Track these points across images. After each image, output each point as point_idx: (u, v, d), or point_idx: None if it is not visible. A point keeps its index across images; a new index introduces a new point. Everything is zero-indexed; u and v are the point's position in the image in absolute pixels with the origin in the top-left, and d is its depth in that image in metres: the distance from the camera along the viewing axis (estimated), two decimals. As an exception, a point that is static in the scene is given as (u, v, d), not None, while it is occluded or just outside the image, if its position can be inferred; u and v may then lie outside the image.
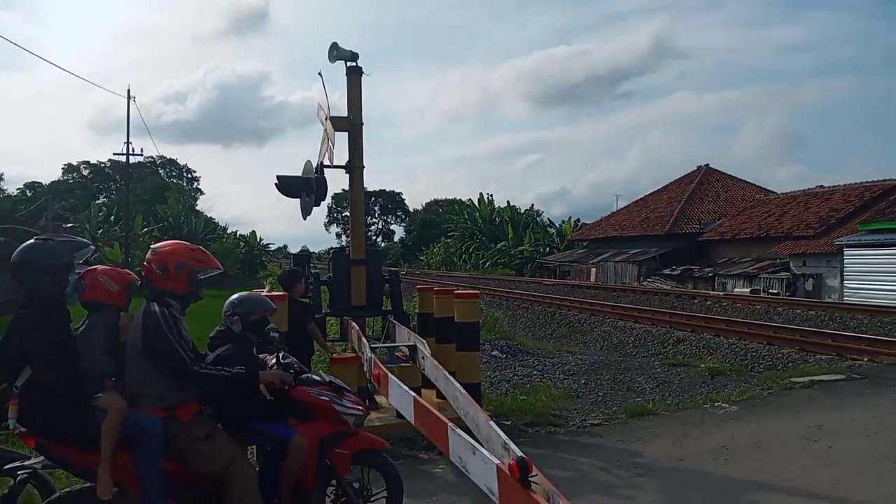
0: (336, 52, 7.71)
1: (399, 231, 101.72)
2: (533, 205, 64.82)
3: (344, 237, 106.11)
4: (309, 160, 7.58)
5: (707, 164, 43.53)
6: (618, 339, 14.68)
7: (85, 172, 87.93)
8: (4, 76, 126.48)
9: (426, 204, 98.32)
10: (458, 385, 4.15)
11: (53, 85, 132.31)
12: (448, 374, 4.47)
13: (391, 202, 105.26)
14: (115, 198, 78.87)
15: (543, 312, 20.35)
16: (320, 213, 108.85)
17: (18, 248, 3.70)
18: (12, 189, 57.54)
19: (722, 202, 39.40)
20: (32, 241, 3.73)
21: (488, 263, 53.87)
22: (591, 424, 7.09)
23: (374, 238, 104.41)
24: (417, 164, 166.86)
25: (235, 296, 4.21)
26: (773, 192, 39.23)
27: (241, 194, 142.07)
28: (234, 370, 3.76)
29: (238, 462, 3.69)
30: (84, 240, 3.86)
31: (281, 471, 3.83)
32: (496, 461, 2.65)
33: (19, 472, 3.67)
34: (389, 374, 4.37)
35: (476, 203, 62.99)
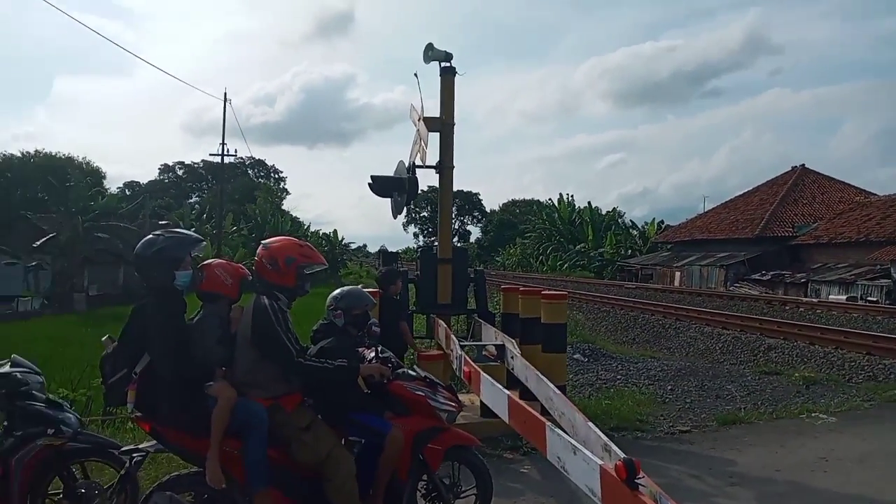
0: (431, 53, 7.84)
1: (475, 231, 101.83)
2: (615, 207, 63.41)
3: (421, 237, 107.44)
4: (401, 160, 7.75)
5: (803, 165, 41.58)
6: (704, 345, 14.23)
7: (179, 172, 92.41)
8: (106, 81, 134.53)
9: (503, 204, 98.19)
10: (552, 385, 4.16)
11: (150, 89, 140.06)
12: (540, 374, 4.49)
13: (468, 202, 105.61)
14: (206, 196, 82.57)
15: (625, 316, 19.96)
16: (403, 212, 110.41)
17: (140, 242, 3.98)
18: (113, 188, 61.13)
19: (818, 204, 37.51)
20: (151, 235, 4.00)
21: (566, 265, 53.19)
22: (680, 431, 6.93)
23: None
24: (496, 165, 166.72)
25: (338, 290, 4.37)
26: (874, 195, 37.05)
27: (324, 194, 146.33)
28: (336, 363, 3.91)
29: (338, 452, 3.82)
30: (198, 236, 4.09)
31: (377, 463, 3.95)
32: (599, 462, 2.65)
33: (135, 455, 3.91)
34: (482, 372, 4.42)
35: (555, 203, 62.33)
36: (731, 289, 32.08)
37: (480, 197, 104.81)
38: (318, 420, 3.92)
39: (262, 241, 4.11)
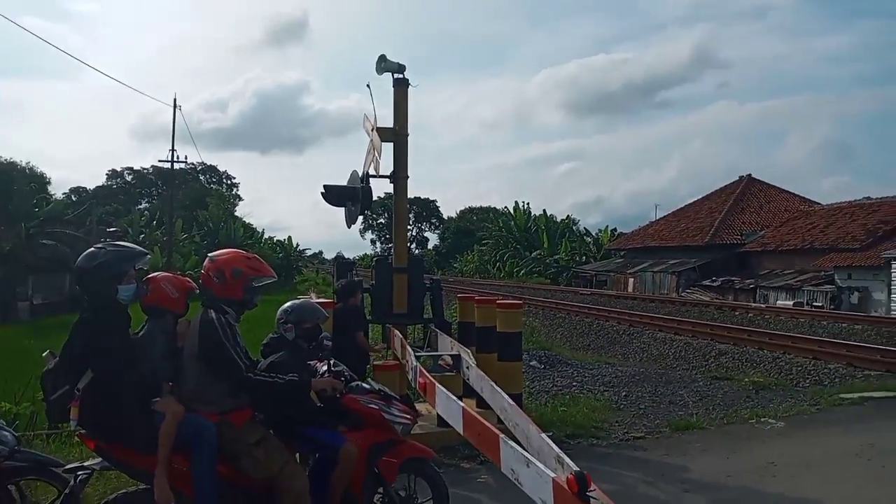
0: (384, 64, 7.81)
1: (433, 238, 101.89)
2: (569, 214, 64.29)
3: (378, 244, 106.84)
4: (355, 170, 7.70)
5: (749, 175, 42.82)
6: (658, 350, 14.49)
7: (128, 178, 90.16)
8: (52, 85, 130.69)
9: (460, 212, 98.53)
10: (506, 396, 4.15)
11: (97, 94, 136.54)
12: (494, 385, 4.48)
13: (425, 209, 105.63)
14: (156, 203, 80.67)
15: (581, 323, 20.18)
16: (360, 219, 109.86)
17: (82, 255, 3.83)
18: (58, 194, 59.13)
19: (764, 213, 38.67)
20: (94, 248, 3.86)
21: (523, 272, 53.64)
22: (634, 437, 7.01)
23: (408, 245, 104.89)
24: (452, 173, 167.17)
25: (288, 304, 4.29)
26: (818, 204, 38.38)
27: (278, 201, 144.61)
28: (287, 377, 3.83)
29: (290, 468, 3.74)
30: (143, 249, 3.96)
31: (331, 478, 3.88)
32: (552, 475, 2.64)
33: (79, 473, 3.76)
34: (437, 384, 4.39)
35: (511, 211, 62.83)
36: (682, 294, 32.78)
37: (438, 204, 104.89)
38: (270, 435, 3.84)
39: (209, 254, 4.00)
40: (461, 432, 3.84)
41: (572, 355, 13.44)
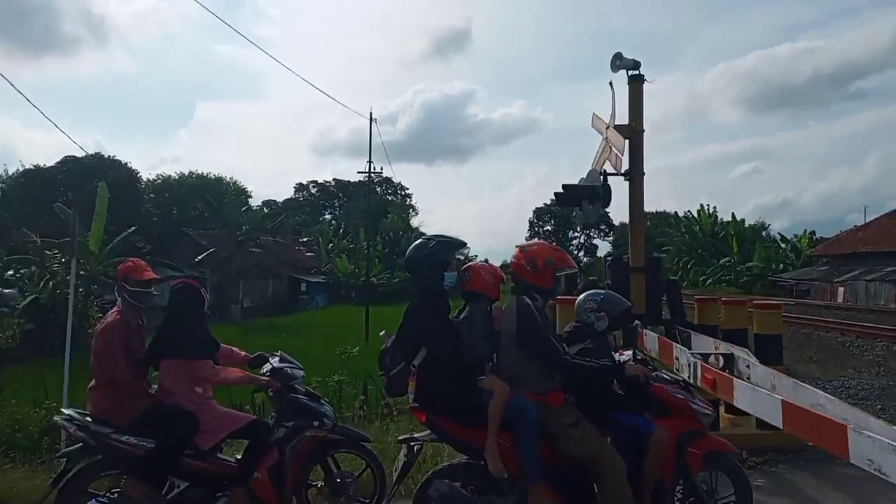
0: (619, 62, 7.82)
1: (603, 245, 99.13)
2: (761, 218, 59.71)
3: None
4: (594, 169, 7.76)
5: (982, 170, 37.42)
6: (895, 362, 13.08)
7: (313, 190, 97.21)
8: (241, 105, 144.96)
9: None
10: (819, 391, 3.99)
11: (279, 113, 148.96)
12: (797, 381, 4.30)
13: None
14: (339, 213, 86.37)
15: (797, 333, 18.71)
16: (522, 225, 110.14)
17: (412, 246, 4.24)
18: (253, 206, 65.14)
19: None
20: (422, 239, 4.25)
21: (709, 281, 50.68)
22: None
23: (576, 252, 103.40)
24: (618, 176, 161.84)
25: (591, 293, 4.42)
26: None
27: (444, 209, 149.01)
28: (601, 362, 3.95)
29: (608, 450, 3.84)
30: (461, 240, 4.28)
31: (642, 464, 3.92)
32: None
33: (413, 443, 4.13)
34: (737, 379, 4.32)
35: (695, 215, 59.65)
36: (903, 306, 29.31)
37: (608, 210, 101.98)
38: (583, 417, 3.97)
39: (521, 244, 4.24)
40: (780, 426, 3.75)
41: (799, 368, 12.48)
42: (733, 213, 55.48)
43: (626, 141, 7.51)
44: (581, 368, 3.91)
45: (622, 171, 7.57)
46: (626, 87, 7.85)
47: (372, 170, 33.28)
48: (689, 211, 63.55)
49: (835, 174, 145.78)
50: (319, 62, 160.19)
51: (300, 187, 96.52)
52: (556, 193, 8.00)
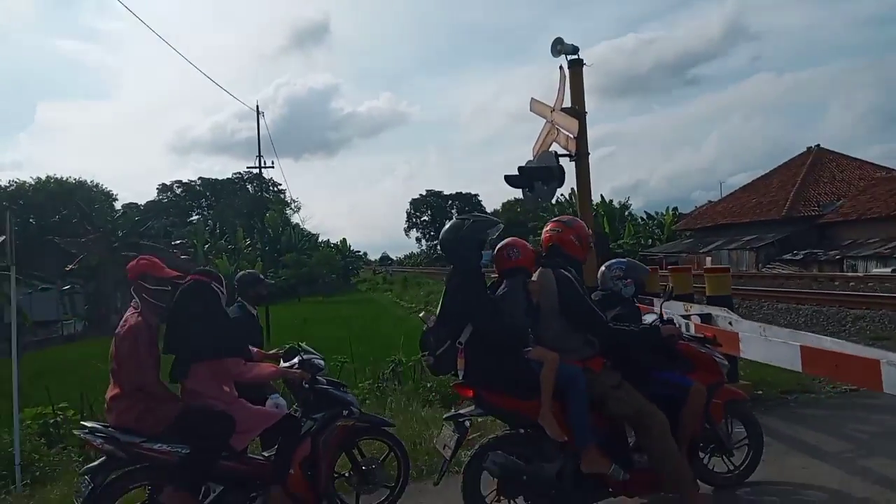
0: (560, 47, 8.17)
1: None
2: (629, 198, 63.64)
3: (424, 241, 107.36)
4: (550, 151, 8.06)
5: (818, 145, 41.97)
6: (785, 320, 14.50)
7: (178, 191, 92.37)
8: (87, 105, 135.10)
9: (505, 204, 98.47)
10: (823, 336, 4.46)
11: (131, 112, 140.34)
12: (793, 329, 4.77)
13: (468, 204, 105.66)
14: (207, 213, 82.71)
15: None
16: (400, 218, 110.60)
17: (445, 228, 4.28)
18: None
19: (839, 183, 37.89)
20: (456, 220, 4.30)
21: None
22: (848, 390, 7.19)
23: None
24: (486, 166, 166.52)
25: (616, 262, 4.66)
26: (893, 170, 37.49)
27: (316, 204, 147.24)
28: (639, 327, 4.20)
29: (651, 407, 4.09)
30: (496, 218, 4.37)
31: (679, 417, 4.21)
32: None
33: (461, 419, 4.19)
34: (742, 332, 4.72)
35: (569, 198, 62.38)
36: (763, 270, 32.44)
37: (480, 198, 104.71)
38: (623, 379, 4.20)
39: (560, 219, 4.40)
40: (800, 369, 4.16)
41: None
42: (602, 195, 58.75)
43: (577, 122, 7.87)
44: (623, 334, 4.15)
45: (573, 153, 7.92)
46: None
47: (262, 164, 31.95)
48: (564, 195, 66.49)
49: (680, 155, 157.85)
50: (173, 57, 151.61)
51: (164, 188, 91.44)
52: (506, 176, 8.23)
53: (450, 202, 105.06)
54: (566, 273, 4.16)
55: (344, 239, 72.76)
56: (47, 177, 56.23)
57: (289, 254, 56.06)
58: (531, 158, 8.58)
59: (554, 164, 7.83)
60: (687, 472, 4.09)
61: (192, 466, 3.99)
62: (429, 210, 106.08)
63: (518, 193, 8.62)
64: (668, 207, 55.48)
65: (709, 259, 36.94)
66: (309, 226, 73.90)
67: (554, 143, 8.33)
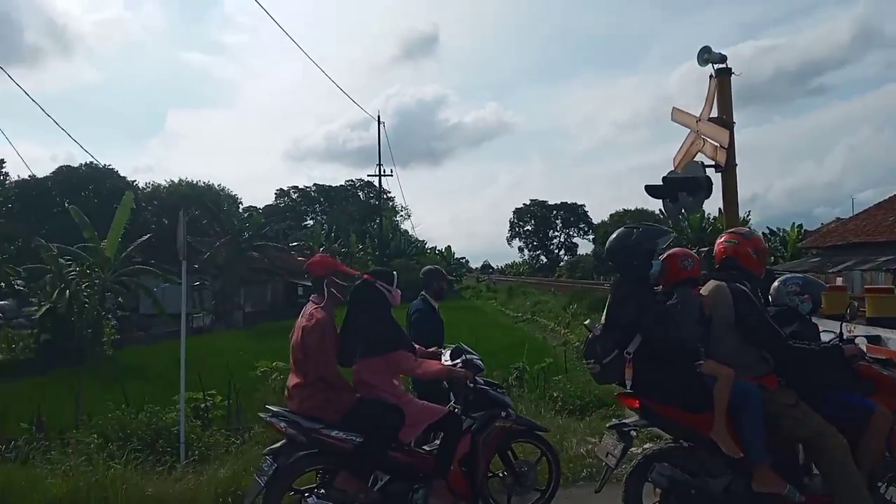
0: (707, 56, 7.97)
1: (583, 244, 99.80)
2: (749, 212, 60.67)
3: (527, 251, 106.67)
4: (696, 161, 7.88)
5: (967, 159, 38.46)
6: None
7: (294, 196, 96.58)
8: (211, 113, 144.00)
9: (612, 215, 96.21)
10: None
11: (251, 120, 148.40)
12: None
13: (573, 214, 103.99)
14: (320, 218, 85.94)
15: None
16: (502, 227, 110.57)
17: (613, 237, 4.29)
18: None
19: None
20: (624, 228, 4.31)
21: (704, 273, 51.17)
22: None
23: (556, 252, 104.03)
24: (591, 176, 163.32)
25: (791, 277, 4.51)
26: None
27: (420, 212, 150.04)
28: (819, 345, 4.05)
29: (831, 429, 3.91)
30: (666, 228, 4.34)
31: (861, 442, 4.01)
32: None
33: (626, 429, 4.19)
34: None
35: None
36: (902, 294, 30.01)
37: (586, 208, 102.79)
38: (800, 399, 4.05)
39: (738, 231, 4.33)
40: None
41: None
42: (720, 208, 56.13)
43: (727, 132, 7.65)
44: (803, 352, 4.01)
45: (723, 164, 7.70)
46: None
47: (382, 172, 32.90)
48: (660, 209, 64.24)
49: (801, 169, 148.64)
50: (287, 69, 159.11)
51: (281, 193, 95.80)
52: (647, 186, 8.10)
53: (554, 212, 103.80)
54: (742, 287, 4.08)
55: (448, 246, 73.77)
56: (179, 180, 60.45)
57: (398, 259, 57.43)
58: (672, 169, 8.41)
59: (701, 175, 7.63)
60: (867, 501, 3.89)
61: (365, 455, 4.21)
62: (532, 220, 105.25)
63: (629, 205, 8.46)
64: (792, 224, 52.52)
65: (839, 279, 34.55)
66: (416, 233, 75.33)
67: (699, 155, 8.13)
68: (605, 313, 4.24)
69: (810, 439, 3.93)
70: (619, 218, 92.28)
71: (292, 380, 4.37)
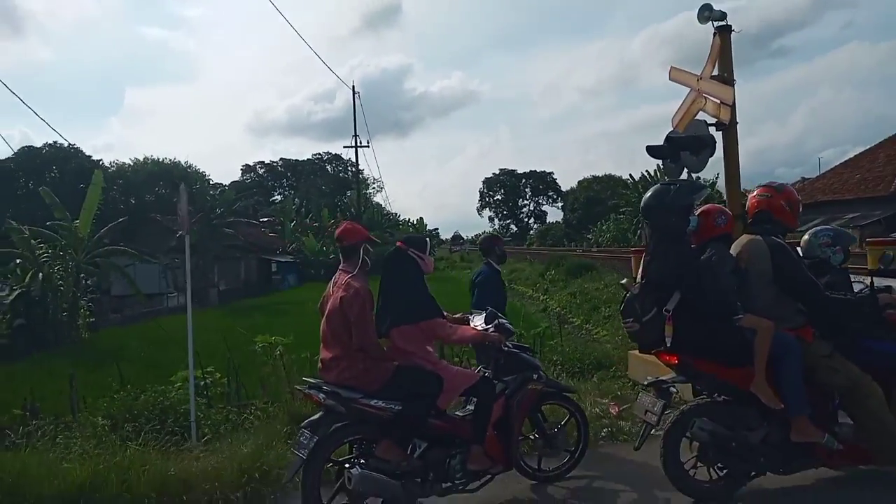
0: (708, 14, 7.90)
1: (553, 212, 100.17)
2: (718, 174, 61.38)
3: (497, 220, 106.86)
4: (699, 120, 7.84)
5: (930, 117, 39.35)
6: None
7: (261, 171, 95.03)
8: (171, 89, 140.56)
9: (581, 182, 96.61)
10: None
11: (211, 95, 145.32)
12: None
13: (542, 182, 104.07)
14: (288, 194, 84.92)
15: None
16: (472, 197, 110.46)
17: (649, 194, 4.25)
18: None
19: (954, 157, 35.42)
20: (660, 185, 4.27)
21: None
22: None
23: (526, 220, 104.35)
24: (557, 143, 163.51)
25: (822, 229, 4.54)
26: None
27: (389, 184, 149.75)
28: (854, 295, 4.08)
29: (867, 379, 3.97)
30: (701, 183, 4.31)
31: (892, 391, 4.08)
32: None
33: (665, 386, 4.20)
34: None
35: (647, 177, 60.84)
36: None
37: (555, 176, 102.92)
38: (835, 349, 4.09)
39: (771, 184, 4.30)
40: None
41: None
42: (689, 173, 56.67)
43: (731, 89, 7.61)
44: (839, 303, 4.04)
45: (727, 121, 7.67)
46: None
47: (358, 144, 32.45)
48: (646, 171, 64.77)
49: (763, 130, 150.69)
50: (248, 42, 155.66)
51: (247, 168, 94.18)
52: (649, 146, 8.06)
53: (523, 181, 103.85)
54: (778, 240, 4.08)
55: (421, 218, 73.56)
56: (144, 158, 58.96)
57: (372, 232, 57.01)
58: (672, 129, 8.38)
59: (705, 133, 7.61)
60: None
61: (404, 422, 4.15)
62: (502, 189, 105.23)
63: (597, 171, 8.45)
64: (757, 185, 53.20)
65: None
66: (389, 206, 74.95)
67: (701, 113, 8.10)
68: (640, 272, 4.21)
69: (847, 389, 3.98)
70: (587, 184, 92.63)
71: (327, 352, 4.27)
